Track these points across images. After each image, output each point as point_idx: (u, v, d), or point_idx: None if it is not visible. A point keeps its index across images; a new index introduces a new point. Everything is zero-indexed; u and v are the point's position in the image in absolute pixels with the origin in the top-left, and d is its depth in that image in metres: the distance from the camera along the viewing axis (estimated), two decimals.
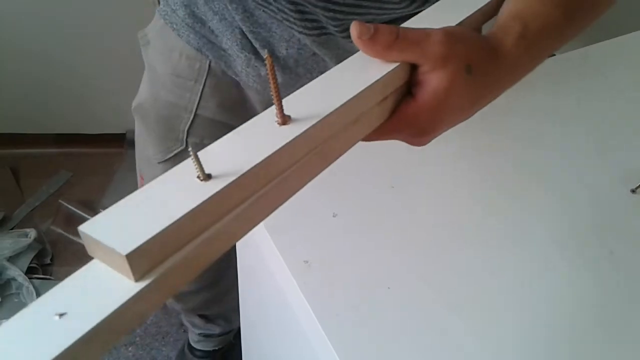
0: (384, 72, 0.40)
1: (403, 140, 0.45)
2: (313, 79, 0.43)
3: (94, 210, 1.66)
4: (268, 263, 0.62)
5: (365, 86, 0.39)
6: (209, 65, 0.77)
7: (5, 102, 1.75)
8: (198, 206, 0.31)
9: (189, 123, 0.80)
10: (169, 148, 0.83)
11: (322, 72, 0.43)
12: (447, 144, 0.70)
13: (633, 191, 0.65)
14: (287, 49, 0.72)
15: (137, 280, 0.29)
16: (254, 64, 0.74)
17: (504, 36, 0.43)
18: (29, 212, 1.66)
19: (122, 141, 1.86)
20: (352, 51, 0.42)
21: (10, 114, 1.77)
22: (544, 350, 0.52)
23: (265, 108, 0.37)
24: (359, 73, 0.40)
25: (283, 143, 0.35)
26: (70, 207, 1.64)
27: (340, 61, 0.43)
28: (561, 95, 0.78)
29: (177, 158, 0.82)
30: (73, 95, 1.75)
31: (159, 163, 0.84)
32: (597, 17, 0.50)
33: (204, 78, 0.78)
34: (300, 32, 0.69)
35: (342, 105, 0.37)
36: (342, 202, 0.64)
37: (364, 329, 0.53)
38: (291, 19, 0.67)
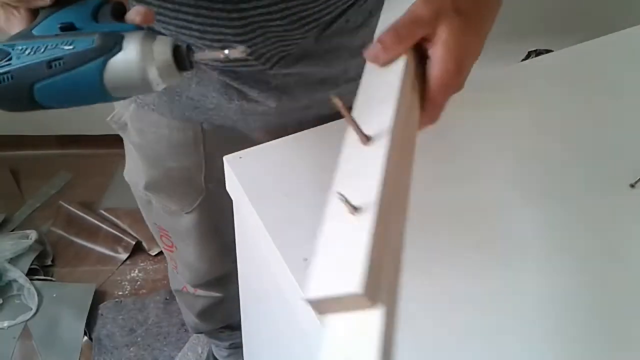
0: (402, 63, 0.46)
1: (449, 95, 0.49)
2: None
3: (94, 212, 1.66)
4: (267, 261, 0.62)
5: (399, 83, 0.44)
6: (202, 127, 0.76)
7: None
8: (371, 235, 0.34)
9: (203, 174, 0.80)
10: (194, 200, 0.84)
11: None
12: (444, 138, 0.70)
13: (632, 186, 0.65)
14: (275, 79, 0.71)
15: (374, 305, 0.31)
16: (246, 107, 0.73)
17: None
18: (30, 214, 1.66)
19: (122, 142, 1.86)
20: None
21: (10, 115, 1.78)
22: (542, 343, 0.52)
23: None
24: (383, 77, 0.46)
25: (381, 158, 0.39)
26: (70, 208, 1.64)
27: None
28: (559, 91, 0.78)
29: (203, 204, 0.84)
30: None
31: (186, 214, 0.85)
32: None
33: (202, 139, 0.77)
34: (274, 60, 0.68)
35: (395, 110, 0.43)
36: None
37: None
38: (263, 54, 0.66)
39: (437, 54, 0.47)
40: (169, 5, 0.61)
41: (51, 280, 1.50)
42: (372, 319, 0.31)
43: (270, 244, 0.60)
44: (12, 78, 0.43)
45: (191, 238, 0.87)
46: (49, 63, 0.43)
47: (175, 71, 0.45)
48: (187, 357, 1.39)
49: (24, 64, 0.43)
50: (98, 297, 1.48)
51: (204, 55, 0.46)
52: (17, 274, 1.45)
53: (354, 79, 0.72)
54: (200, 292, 1.03)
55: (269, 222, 0.61)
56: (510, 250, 0.59)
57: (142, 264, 1.57)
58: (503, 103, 0.66)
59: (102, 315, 1.45)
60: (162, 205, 0.86)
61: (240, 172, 0.67)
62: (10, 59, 0.43)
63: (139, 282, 1.53)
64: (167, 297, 1.48)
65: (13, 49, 0.43)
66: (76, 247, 1.59)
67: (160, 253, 1.58)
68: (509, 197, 0.64)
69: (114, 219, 1.64)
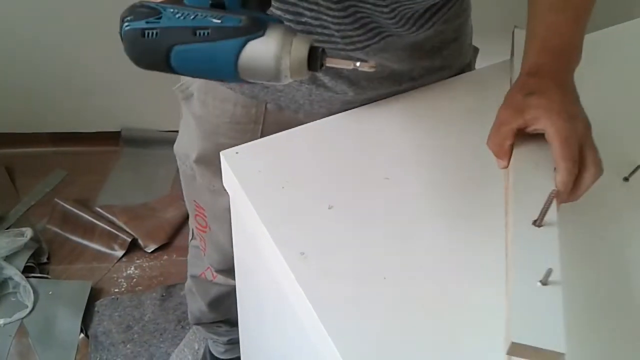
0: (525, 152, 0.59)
1: (578, 141, 0.56)
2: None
3: (89, 209, 1.66)
4: (264, 255, 0.63)
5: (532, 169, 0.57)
6: (266, 107, 0.78)
7: (0, 101, 1.74)
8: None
9: None
10: None
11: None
12: (442, 136, 0.70)
13: (625, 179, 0.66)
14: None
15: None
16: (315, 92, 0.74)
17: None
18: (25, 211, 1.66)
19: (118, 139, 1.85)
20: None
21: (5, 113, 1.77)
22: None
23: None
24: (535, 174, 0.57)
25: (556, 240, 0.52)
26: (66, 205, 1.64)
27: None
28: None
29: None
30: (68, 93, 1.75)
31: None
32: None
33: (262, 118, 0.79)
34: (360, 46, 0.70)
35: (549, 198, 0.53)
36: (337, 194, 0.64)
37: (361, 319, 0.53)
38: (351, 36, 0.68)
39: (548, 128, 0.55)
40: None
41: (47, 277, 1.50)
42: None
43: (268, 238, 0.60)
44: (157, 35, 0.46)
45: (227, 219, 0.88)
46: (195, 30, 0.46)
47: (305, 69, 0.48)
48: (183, 353, 1.39)
49: (172, 25, 0.46)
50: (94, 294, 1.48)
51: (335, 62, 0.49)
52: (12, 272, 1.45)
53: (415, 79, 0.78)
54: (219, 279, 1.05)
55: (266, 216, 0.61)
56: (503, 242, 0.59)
57: (138, 261, 1.56)
58: (499, 100, 0.66)
59: (98, 312, 1.45)
60: (207, 182, 0.87)
61: (237, 167, 0.67)
62: (160, 18, 0.46)
63: (135, 279, 1.53)
64: (164, 294, 1.48)
65: (165, 10, 0.47)
66: (72, 245, 1.59)
67: (156, 250, 1.58)
68: (502, 190, 0.64)
69: (109, 216, 1.63)
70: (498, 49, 0.85)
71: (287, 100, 0.76)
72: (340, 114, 0.73)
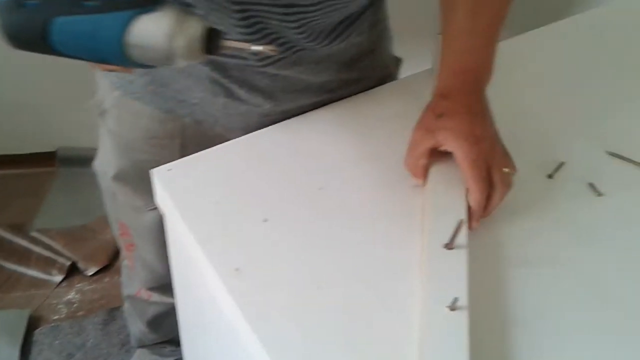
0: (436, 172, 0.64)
1: (485, 162, 0.59)
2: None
3: (25, 234, 1.59)
4: (200, 272, 0.62)
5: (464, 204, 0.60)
6: (183, 122, 0.76)
7: None
8: None
9: None
10: None
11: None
12: (372, 144, 0.71)
13: (550, 176, 0.68)
14: (262, 79, 0.72)
15: None
16: (231, 105, 0.73)
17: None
18: None
19: (54, 159, 1.79)
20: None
21: None
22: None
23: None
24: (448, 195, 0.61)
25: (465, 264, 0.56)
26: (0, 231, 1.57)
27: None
28: None
29: None
30: None
31: (149, 210, 0.83)
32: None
33: (180, 133, 0.77)
34: (270, 61, 0.69)
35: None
36: (272, 207, 0.64)
37: (297, 331, 0.53)
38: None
39: (463, 176, 0.59)
40: None
41: None
42: None
43: (202, 255, 0.59)
44: (36, 5, 0.40)
45: (152, 236, 0.86)
46: (81, 0, 0.40)
47: (199, 51, 0.43)
48: None
49: None
50: (33, 323, 1.42)
51: (231, 44, 0.44)
52: None
53: (334, 91, 0.78)
54: (154, 297, 1.03)
55: (200, 234, 0.60)
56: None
57: (78, 285, 1.51)
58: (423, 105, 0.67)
59: (37, 341, 1.38)
60: (128, 200, 0.85)
61: (169, 184, 0.66)
62: None
63: (75, 304, 1.47)
64: (106, 318, 1.43)
65: None
66: (7, 272, 1.52)
67: (97, 273, 1.53)
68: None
69: (47, 240, 1.57)
70: (424, 58, 0.87)
71: (202, 113, 0.75)
72: (272, 126, 0.73)
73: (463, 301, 0.52)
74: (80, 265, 1.53)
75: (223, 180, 0.66)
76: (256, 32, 0.65)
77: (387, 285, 0.57)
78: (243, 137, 0.71)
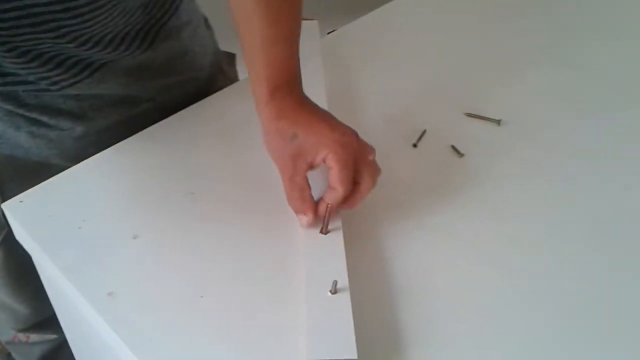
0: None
1: (354, 159, 0.57)
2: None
3: None
4: (72, 303, 0.58)
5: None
6: None
7: None
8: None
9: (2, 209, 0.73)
10: None
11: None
12: (236, 141, 0.70)
13: (414, 145, 0.70)
14: (66, 102, 0.67)
15: None
16: (38, 132, 0.67)
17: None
18: None
19: None
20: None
21: None
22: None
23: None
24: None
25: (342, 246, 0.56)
26: None
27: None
28: (342, 68, 0.81)
29: (7, 240, 0.76)
30: None
31: None
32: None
33: None
34: (66, 84, 0.64)
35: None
36: (141, 221, 0.60)
37: (182, 345, 0.51)
38: (50, 77, 0.62)
39: (330, 177, 0.56)
40: None
41: None
42: None
43: (69, 285, 0.55)
44: None
45: (1, 278, 0.79)
46: None
47: None
48: None
49: None
50: None
51: None
52: None
53: (154, 98, 0.73)
54: (33, 337, 0.95)
55: (64, 263, 0.56)
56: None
57: None
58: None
59: None
60: None
61: (24, 217, 0.61)
62: None
63: None
64: None
65: None
66: None
67: None
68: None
69: None
70: None
71: (9, 147, 0.69)
72: (128, 139, 0.69)
73: (343, 283, 0.52)
74: None
75: (84, 203, 0.62)
76: (35, 59, 0.59)
77: (271, 280, 0.56)
78: (98, 154, 0.66)
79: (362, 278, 0.55)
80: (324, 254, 0.55)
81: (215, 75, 0.80)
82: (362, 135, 0.59)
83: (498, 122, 0.73)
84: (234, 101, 0.75)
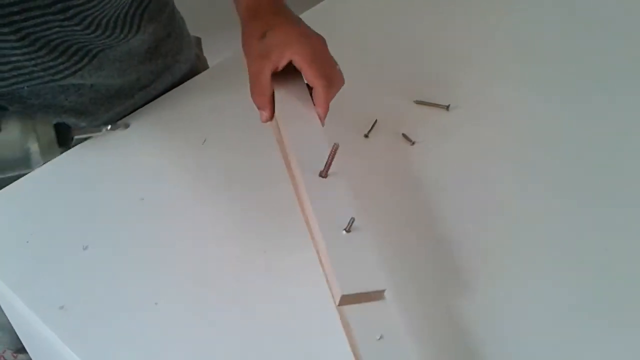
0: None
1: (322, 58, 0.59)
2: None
3: None
4: (25, 319, 0.56)
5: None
6: None
7: None
8: None
9: None
10: None
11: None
12: (189, 142, 0.69)
13: (366, 136, 0.70)
14: (68, 98, 0.68)
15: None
16: None
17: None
18: None
19: None
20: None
21: None
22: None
23: None
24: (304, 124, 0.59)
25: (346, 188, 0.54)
26: None
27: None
28: None
29: None
30: None
31: None
32: None
33: None
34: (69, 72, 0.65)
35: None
36: (91, 231, 0.59)
37: (135, 355, 0.50)
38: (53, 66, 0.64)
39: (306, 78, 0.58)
40: None
41: None
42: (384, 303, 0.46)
43: (19, 302, 0.54)
44: None
45: None
46: None
47: (56, 148, 0.49)
48: None
49: None
50: None
51: (83, 132, 0.50)
52: None
53: (147, 86, 0.75)
54: (21, 357, 0.97)
55: (12, 279, 0.55)
56: (250, 231, 0.60)
57: None
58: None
59: None
60: None
61: None
62: None
63: None
64: None
65: None
66: None
67: None
68: (248, 184, 0.65)
69: None
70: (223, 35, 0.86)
71: None
72: (76, 147, 0.67)
73: (360, 221, 0.50)
74: None
75: (31, 216, 0.61)
76: (43, 47, 0.60)
77: (227, 282, 0.56)
78: (44, 165, 0.65)
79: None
80: (330, 195, 0.53)
81: (194, 60, 0.82)
82: None
83: (447, 107, 0.73)
84: (184, 102, 0.74)
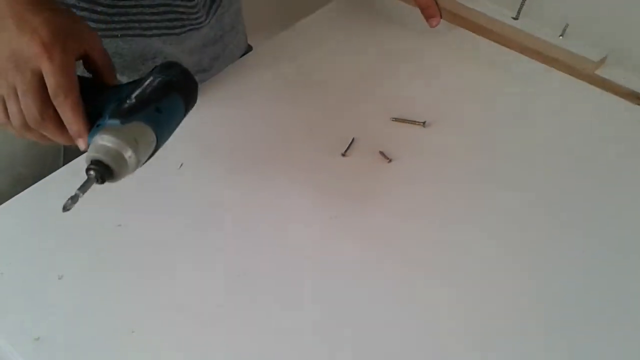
0: None
1: None
2: None
3: None
4: (4, 353, 0.55)
5: None
6: None
7: None
8: None
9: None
10: None
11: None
12: (169, 162, 0.68)
13: (343, 154, 0.70)
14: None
15: None
16: None
17: None
18: None
19: None
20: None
21: None
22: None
23: None
24: None
25: None
26: None
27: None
28: (263, 86, 0.81)
29: None
30: None
31: None
32: None
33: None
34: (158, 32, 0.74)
35: None
36: (66, 260, 0.59)
37: None
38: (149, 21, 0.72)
39: None
40: None
41: None
42: None
43: None
44: None
45: None
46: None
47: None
48: None
49: None
50: None
51: None
52: None
53: (206, 70, 0.84)
54: None
55: None
56: (233, 249, 0.60)
57: None
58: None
59: None
60: None
61: None
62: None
63: None
64: None
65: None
66: None
67: None
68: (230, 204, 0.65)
69: None
70: None
71: None
72: (55, 173, 0.66)
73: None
74: None
75: (4, 248, 0.60)
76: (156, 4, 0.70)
77: (204, 307, 0.55)
78: (17, 196, 0.64)
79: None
80: None
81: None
82: (288, 150, 0.58)
83: (423, 124, 0.74)
84: None
